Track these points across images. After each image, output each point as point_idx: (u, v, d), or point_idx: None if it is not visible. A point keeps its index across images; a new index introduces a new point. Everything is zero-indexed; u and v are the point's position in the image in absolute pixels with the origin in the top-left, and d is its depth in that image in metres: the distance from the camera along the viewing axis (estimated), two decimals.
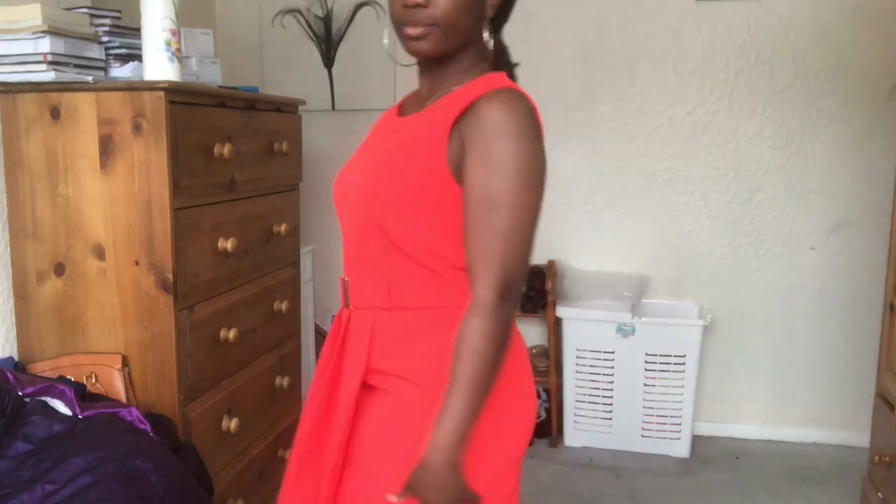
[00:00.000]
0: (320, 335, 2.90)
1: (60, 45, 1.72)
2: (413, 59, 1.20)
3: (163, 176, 1.69)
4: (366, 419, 1.19)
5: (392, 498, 1.08)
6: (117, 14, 1.92)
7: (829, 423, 3.09)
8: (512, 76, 1.22)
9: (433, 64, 1.17)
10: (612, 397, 2.98)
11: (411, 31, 1.12)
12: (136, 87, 1.69)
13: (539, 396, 3.17)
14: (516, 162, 1.05)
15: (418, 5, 1.10)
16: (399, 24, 1.14)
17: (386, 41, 1.28)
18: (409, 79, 1.44)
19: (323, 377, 1.25)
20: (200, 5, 3.19)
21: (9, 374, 1.60)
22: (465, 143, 1.08)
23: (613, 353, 2.94)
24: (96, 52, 1.83)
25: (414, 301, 1.16)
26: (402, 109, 1.26)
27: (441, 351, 1.09)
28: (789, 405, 3.13)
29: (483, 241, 1.06)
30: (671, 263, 3.14)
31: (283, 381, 2.32)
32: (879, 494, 2.25)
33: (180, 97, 1.74)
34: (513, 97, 1.09)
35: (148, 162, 1.69)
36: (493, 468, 1.15)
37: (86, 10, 1.88)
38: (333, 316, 1.32)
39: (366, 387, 1.19)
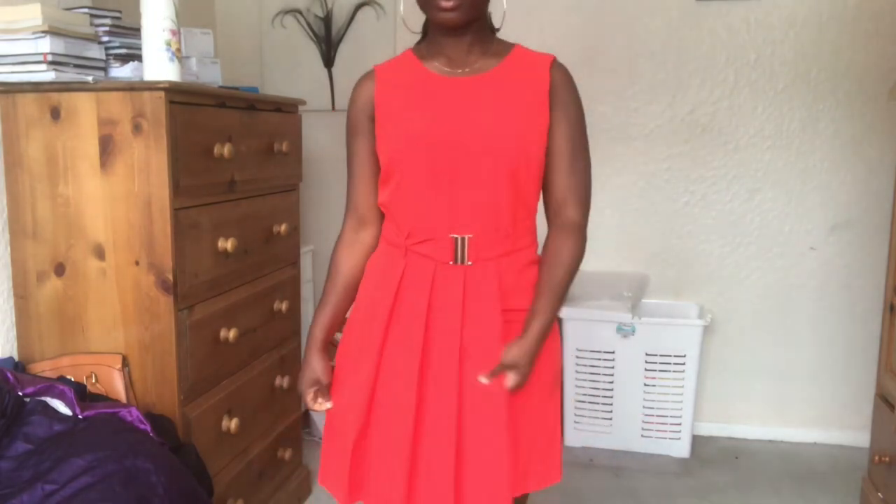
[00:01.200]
0: None
1: (60, 45, 1.72)
2: (418, 28, 1.38)
3: (163, 176, 1.70)
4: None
5: (483, 379, 1.29)
6: (117, 14, 1.92)
7: (829, 423, 3.09)
8: None
9: (459, 31, 1.29)
10: (612, 397, 2.98)
11: (445, 3, 1.23)
12: (136, 87, 1.69)
13: None
14: (584, 118, 1.36)
15: None
16: None
17: (402, 10, 1.38)
18: None
19: (418, 335, 1.32)
20: (200, 5, 3.19)
21: (9, 374, 1.60)
22: (552, 102, 1.31)
23: (613, 353, 2.94)
24: (96, 52, 1.83)
25: (524, 241, 1.36)
26: (439, 70, 1.33)
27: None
28: (789, 405, 3.13)
29: (574, 178, 1.32)
30: (671, 263, 3.14)
31: (283, 381, 2.32)
32: (879, 494, 2.25)
33: (180, 97, 1.74)
34: (565, 67, 1.38)
35: (148, 162, 1.69)
36: (558, 357, 1.43)
37: (86, 10, 1.88)
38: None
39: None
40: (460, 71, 1.32)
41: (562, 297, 1.34)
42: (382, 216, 1.41)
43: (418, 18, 1.37)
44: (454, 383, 1.30)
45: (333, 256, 1.45)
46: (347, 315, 1.47)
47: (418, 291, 1.33)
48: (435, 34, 1.33)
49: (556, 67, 1.34)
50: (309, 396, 1.41)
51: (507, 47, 1.36)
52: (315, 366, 1.43)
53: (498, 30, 1.39)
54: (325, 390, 1.42)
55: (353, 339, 1.43)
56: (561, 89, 1.32)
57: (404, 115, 1.32)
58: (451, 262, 1.31)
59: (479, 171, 1.28)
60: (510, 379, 1.29)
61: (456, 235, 1.30)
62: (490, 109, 1.29)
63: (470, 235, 1.30)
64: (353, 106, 1.38)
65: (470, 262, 1.31)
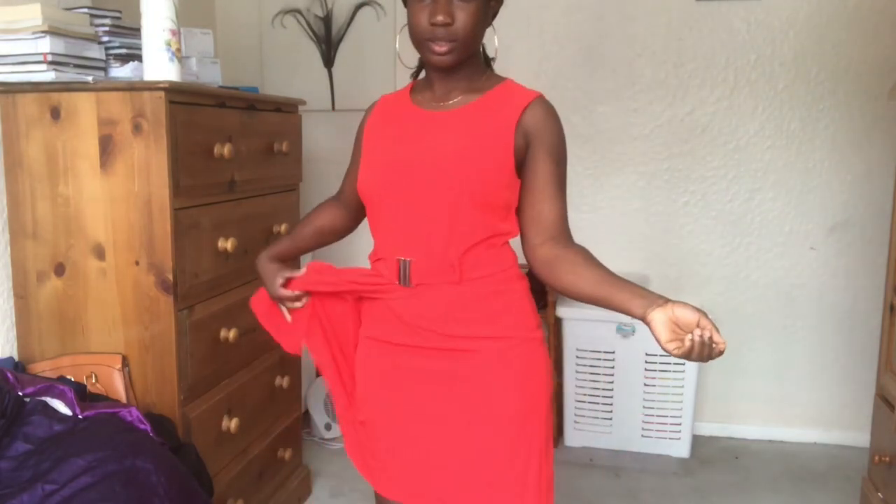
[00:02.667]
0: None
1: (60, 45, 1.72)
2: (414, 61, 1.43)
3: (163, 176, 1.70)
4: (456, 376, 1.39)
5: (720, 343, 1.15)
6: (117, 14, 1.92)
7: (829, 423, 3.09)
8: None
9: (451, 70, 1.33)
10: (612, 397, 2.98)
11: (438, 48, 1.28)
12: (136, 87, 1.69)
13: None
14: (565, 156, 1.37)
15: (445, 24, 1.26)
16: (424, 40, 1.29)
17: (398, 46, 1.41)
18: (408, 79, 1.45)
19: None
20: (200, 5, 3.19)
21: (9, 374, 1.60)
22: (530, 137, 1.31)
23: (613, 353, 2.94)
24: (96, 52, 1.83)
25: (479, 272, 1.36)
26: (421, 104, 1.38)
27: (506, 305, 1.39)
28: (789, 405, 3.13)
29: (560, 211, 1.36)
30: (671, 263, 3.14)
31: (283, 381, 2.32)
32: (879, 494, 2.25)
33: (180, 97, 1.74)
34: (550, 104, 1.39)
35: (148, 162, 1.69)
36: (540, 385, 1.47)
37: (86, 10, 1.88)
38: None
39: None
40: (441, 104, 1.36)
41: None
42: (357, 212, 1.51)
43: (413, 53, 1.39)
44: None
45: (313, 211, 1.58)
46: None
47: (374, 304, 1.43)
48: (428, 69, 1.37)
49: (537, 104, 1.33)
50: (282, 290, 1.49)
51: (494, 82, 1.37)
52: (272, 267, 1.53)
53: (493, 59, 1.42)
54: (289, 272, 1.51)
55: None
56: (540, 126, 1.32)
57: (374, 147, 1.40)
58: (396, 283, 1.36)
59: (427, 200, 1.31)
60: (716, 335, 1.13)
61: (401, 258, 1.34)
62: (449, 141, 1.31)
63: (412, 259, 1.33)
64: (359, 127, 1.48)
65: (412, 285, 1.34)
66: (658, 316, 1.18)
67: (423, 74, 1.43)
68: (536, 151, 1.32)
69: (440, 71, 1.33)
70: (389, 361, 1.40)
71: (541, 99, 1.34)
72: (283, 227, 2.26)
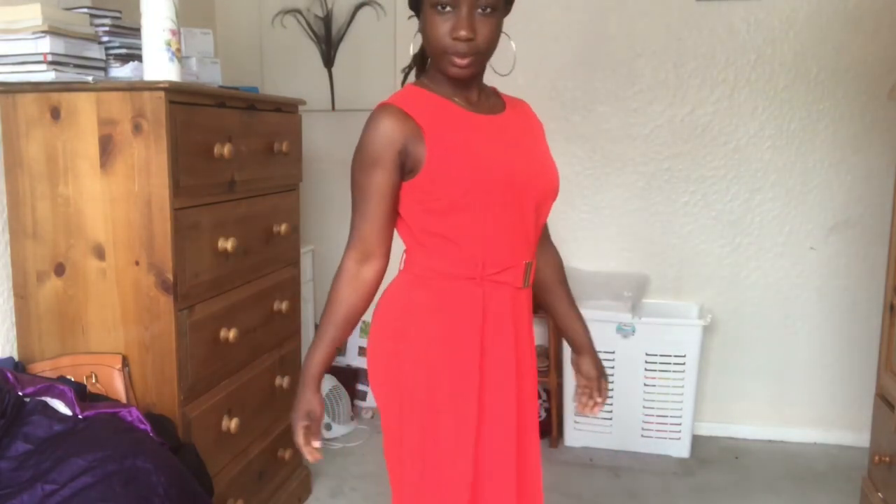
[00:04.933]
0: None
1: (60, 45, 1.72)
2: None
3: (163, 176, 1.70)
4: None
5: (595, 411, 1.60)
6: (117, 14, 1.92)
7: (829, 423, 3.09)
8: None
9: (467, 83, 1.36)
10: (612, 397, 2.97)
11: (460, 61, 1.29)
12: (136, 87, 1.69)
13: (539, 396, 3.17)
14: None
15: (468, 40, 1.26)
16: (445, 53, 1.28)
17: (412, 52, 1.43)
18: (409, 79, 1.45)
19: (511, 359, 1.39)
20: (200, 5, 3.19)
21: (9, 374, 1.60)
22: None
23: (613, 353, 2.94)
24: (96, 52, 1.83)
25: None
26: (468, 108, 1.37)
27: None
28: (789, 405, 3.13)
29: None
30: (671, 263, 3.14)
31: (283, 381, 2.32)
32: (879, 494, 2.25)
33: (180, 97, 1.74)
34: None
35: (148, 162, 1.69)
36: None
37: (86, 10, 1.88)
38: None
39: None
40: (485, 109, 1.39)
41: None
42: (388, 252, 1.37)
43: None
44: (513, 408, 1.39)
45: (334, 289, 1.38)
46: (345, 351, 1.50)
47: (502, 319, 1.37)
48: (444, 77, 1.35)
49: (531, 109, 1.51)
50: (300, 431, 1.39)
51: (493, 89, 1.46)
52: (309, 399, 1.40)
53: (505, 74, 1.46)
54: (317, 426, 1.40)
55: (443, 382, 1.35)
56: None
57: (467, 149, 1.30)
58: (521, 287, 1.38)
59: (536, 201, 1.36)
60: (604, 390, 1.59)
61: (526, 261, 1.38)
62: (534, 145, 1.42)
63: (531, 261, 1.40)
64: (377, 138, 1.30)
65: (528, 285, 1.41)
66: (581, 361, 1.61)
67: (412, 77, 1.44)
68: None
69: (459, 80, 1.34)
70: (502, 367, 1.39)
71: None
72: (283, 227, 2.26)
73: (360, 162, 1.32)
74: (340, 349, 1.49)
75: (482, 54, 1.30)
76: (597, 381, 1.57)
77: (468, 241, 1.32)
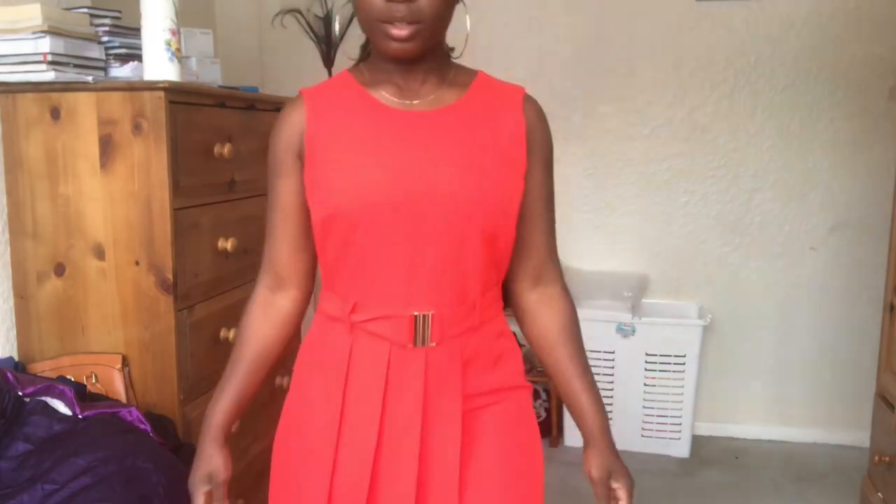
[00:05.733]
0: None
1: (60, 45, 1.72)
2: (356, 52, 1.14)
3: (163, 176, 1.69)
4: (481, 441, 1.11)
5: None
6: (117, 14, 1.92)
7: (829, 423, 3.09)
8: None
9: (412, 62, 1.05)
10: (612, 397, 2.98)
11: (398, 31, 0.98)
12: (136, 87, 1.69)
13: (539, 396, 3.17)
14: (553, 163, 1.18)
15: (406, 0, 0.97)
16: (377, 21, 0.99)
17: (337, 29, 1.17)
18: None
19: (372, 427, 1.08)
20: (200, 5, 3.19)
21: (9, 374, 1.60)
22: (528, 144, 1.10)
23: (613, 353, 2.94)
24: (96, 52, 1.83)
25: (491, 311, 1.13)
26: (389, 101, 1.08)
27: (513, 346, 1.18)
28: (789, 405, 3.13)
29: (551, 234, 1.18)
30: (671, 263, 3.14)
31: (283, 381, 2.32)
32: (879, 494, 2.25)
33: (180, 97, 1.74)
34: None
35: (148, 162, 1.69)
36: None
37: (86, 10, 1.87)
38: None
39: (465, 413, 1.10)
40: (416, 102, 1.07)
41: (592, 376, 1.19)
42: (306, 279, 1.16)
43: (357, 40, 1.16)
44: (411, 489, 1.06)
45: (242, 321, 1.18)
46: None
47: (370, 381, 1.07)
48: (382, 60, 1.07)
49: (529, 102, 1.11)
50: (200, 499, 1.14)
51: (468, 75, 1.12)
52: (210, 458, 1.16)
53: (456, 56, 1.15)
54: (220, 490, 1.17)
55: (294, 440, 1.17)
56: (536, 130, 1.11)
57: (349, 157, 1.04)
58: (410, 345, 1.06)
59: (447, 232, 1.03)
60: (623, 499, 1.14)
61: (417, 312, 1.05)
62: (460, 152, 1.05)
63: (432, 311, 1.05)
64: (276, 141, 1.10)
65: (433, 344, 1.06)
66: (588, 458, 1.19)
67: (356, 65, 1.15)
68: (533, 162, 1.10)
69: (401, 62, 1.04)
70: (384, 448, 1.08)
71: (528, 96, 1.13)
72: None
73: (268, 168, 1.12)
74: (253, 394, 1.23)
75: (428, 23, 0.99)
76: (604, 487, 1.14)
77: (340, 275, 1.09)
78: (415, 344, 1.06)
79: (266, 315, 1.18)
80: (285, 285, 1.17)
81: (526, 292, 1.18)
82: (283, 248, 1.14)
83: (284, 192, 1.10)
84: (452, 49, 1.14)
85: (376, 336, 1.07)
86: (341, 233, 1.04)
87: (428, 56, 1.05)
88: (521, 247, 1.13)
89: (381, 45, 1.01)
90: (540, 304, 1.17)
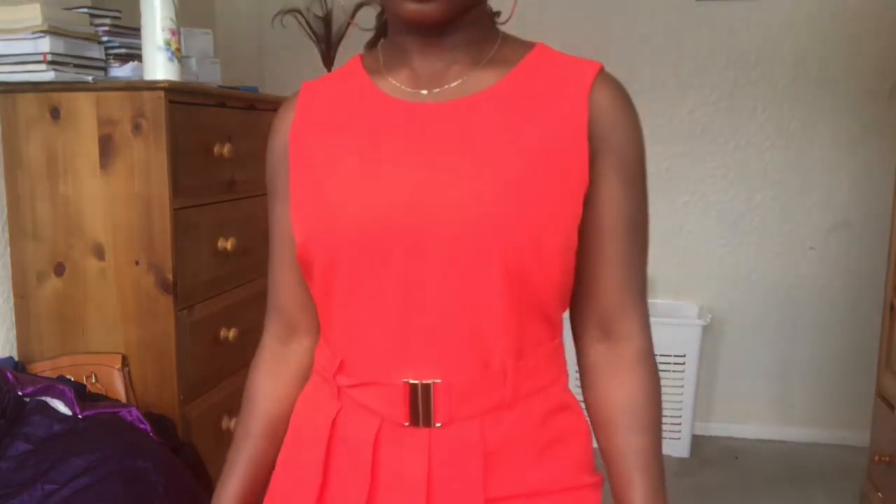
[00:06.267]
0: None
1: (60, 45, 1.72)
2: (371, 24, 0.92)
3: (163, 176, 1.69)
4: None
5: None
6: (117, 14, 1.92)
7: (829, 423, 3.09)
8: None
9: (438, 29, 0.79)
10: None
11: None
12: (136, 87, 1.69)
13: None
14: (645, 171, 0.84)
15: None
16: None
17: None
18: None
19: None
20: (200, 5, 3.19)
21: (9, 374, 1.60)
22: (599, 143, 0.79)
23: None
24: (96, 51, 1.83)
25: (540, 379, 0.82)
26: (397, 92, 0.82)
27: (577, 423, 0.85)
28: (789, 405, 3.13)
29: (631, 272, 0.85)
30: (671, 263, 3.14)
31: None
32: (879, 494, 2.24)
33: (180, 97, 1.74)
34: (620, 83, 0.82)
35: (148, 162, 1.69)
36: None
37: (86, 10, 1.87)
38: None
39: None
40: (436, 91, 0.80)
41: (663, 478, 0.85)
42: (316, 322, 0.90)
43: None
44: None
45: (249, 382, 0.96)
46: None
47: (353, 469, 0.81)
48: (399, 33, 0.82)
49: (603, 84, 0.80)
50: None
51: (520, 49, 0.83)
52: None
53: (503, 22, 0.87)
54: None
55: None
56: (610, 124, 0.79)
57: (333, 169, 0.80)
58: (405, 424, 0.78)
59: (453, 268, 0.75)
60: None
61: (413, 380, 0.78)
62: (480, 160, 0.76)
63: (437, 380, 0.77)
64: (269, 149, 0.89)
65: (438, 424, 0.78)
66: None
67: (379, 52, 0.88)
68: (602, 171, 0.79)
69: (422, 33, 0.79)
70: None
71: (605, 74, 0.82)
72: None
73: (268, 192, 0.90)
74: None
75: None
76: None
77: (329, 322, 0.84)
78: (412, 423, 0.78)
79: (278, 373, 0.94)
80: (297, 332, 0.93)
81: (589, 346, 0.86)
82: (288, 287, 0.90)
83: (283, 217, 0.86)
84: (498, 14, 0.86)
85: (365, 408, 0.81)
86: (321, 269, 0.80)
87: (459, 24, 0.79)
88: (585, 286, 0.83)
89: (395, 8, 0.76)
90: (605, 366, 0.85)
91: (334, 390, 0.84)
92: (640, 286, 0.86)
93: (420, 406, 0.78)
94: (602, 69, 0.82)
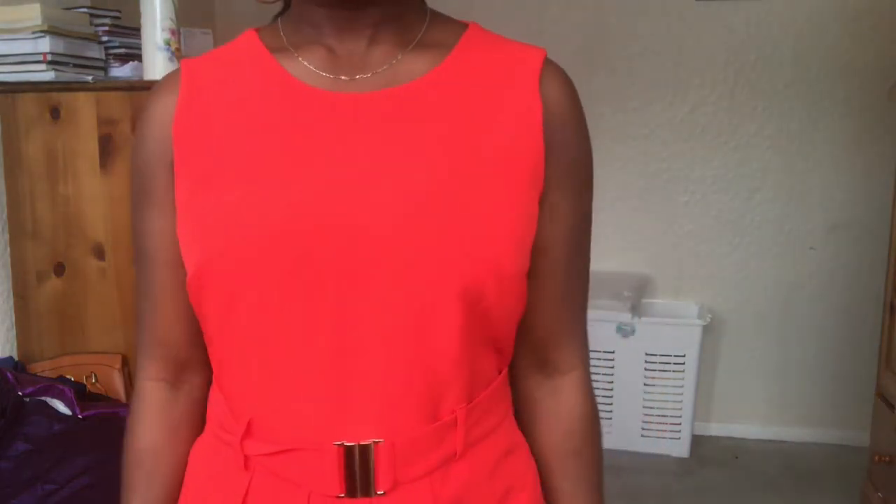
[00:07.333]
0: None
1: (60, 45, 1.72)
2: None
3: None
4: None
5: None
6: (117, 14, 1.92)
7: (829, 423, 3.09)
8: None
9: (353, 4, 0.65)
10: (612, 397, 2.97)
11: None
12: (136, 87, 1.69)
13: None
14: (593, 176, 0.72)
15: None
16: None
17: None
18: None
19: None
20: (200, 5, 3.19)
21: (9, 374, 1.60)
22: (547, 142, 0.66)
23: (613, 353, 2.94)
24: (96, 51, 1.83)
25: (493, 417, 0.71)
26: (310, 78, 0.67)
27: (526, 466, 0.75)
28: (789, 405, 3.13)
29: (570, 295, 0.73)
30: (671, 263, 3.14)
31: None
32: (879, 494, 2.25)
33: None
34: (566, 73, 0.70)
35: None
36: None
37: (86, 10, 1.87)
38: None
39: None
40: (358, 78, 0.66)
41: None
42: (204, 365, 0.73)
43: None
44: None
45: (134, 440, 0.77)
46: None
47: None
48: (305, 3, 0.68)
49: (552, 74, 0.68)
50: None
51: (453, 30, 0.70)
52: None
53: None
54: None
55: None
56: (562, 121, 0.67)
57: (236, 176, 0.64)
58: (339, 496, 0.65)
59: (401, 298, 0.62)
60: None
61: (348, 443, 0.64)
62: (427, 164, 0.64)
63: (378, 440, 0.64)
64: (139, 142, 0.70)
65: (381, 493, 0.65)
66: None
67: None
68: (554, 175, 0.67)
69: (337, 4, 0.65)
70: None
71: (553, 62, 0.70)
72: None
73: (132, 200, 0.72)
74: None
75: None
76: None
77: (229, 368, 0.68)
78: (349, 494, 0.64)
79: (171, 426, 0.74)
80: (188, 370, 0.74)
81: (524, 378, 0.76)
82: (174, 316, 0.71)
83: (163, 230, 0.68)
84: None
85: (285, 481, 0.66)
86: (222, 299, 0.64)
87: (374, 2, 0.65)
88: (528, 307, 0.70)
89: None
90: (542, 398, 0.76)
91: (240, 458, 0.67)
92: (580, 309, 0.74)
93: (357, 473, 0.63)
94: (547, 56, 0.69)
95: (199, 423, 0.76)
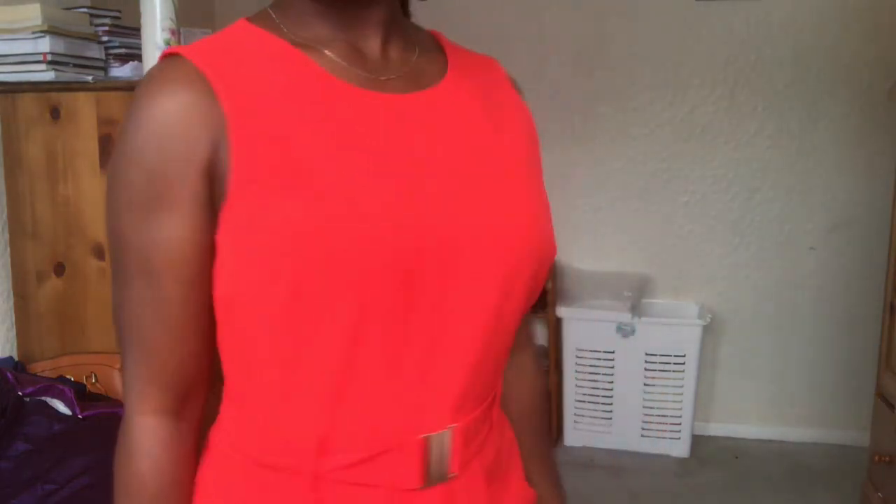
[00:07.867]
0: None
1: (60, 45, 1.72)
2: None
3: None
4: None
5: None
6: (117, 14, 1.92)
7: (829, 423, 3.09)
8: None
9: (351, 6, 0.65)
10: (611, 397, 2.98)
11: None
12: (136, 87, 1.69)
13: None
14: None
15: None
16: None
17: None
18: None
19: None
20: (200, 5, 3.19)
21: (9, 374, 1.60)
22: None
23: (613, 352, 2.94)
24: (96, 51, 1.83)
25: (497, 396, 0.76)
26: (366, 70, 0.65)
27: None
28: (789, 405, 3.13)
29: None
30: (671, 263, 3.14)
31: None
32: (879, 494, 2.25)
33: None
34: None
35: None
36: None
37: (86, 10, 1.87)
38: None
39: None
40: (389, 78, 0.66)
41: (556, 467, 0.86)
42: (210, 377, 0.70)
43: None
44: None
45: (144, 476, 0.76)
46: None
47: None
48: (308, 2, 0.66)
49: (512, 79, 0.77)
50: None
51: (424, 33, 0.74)
52: None
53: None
54: None
55: None
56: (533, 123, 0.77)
57: (318, 178, 0.59)
58: (419, 487, 0.64)
59: (490, 297, 0.64)
60: None
61: (429, 434, 0.64)
62: (488, 164, 0.67)
63: (454, 425, 0.65)
64: (149, 142, 0.61)
65: (453, 475, 0.66)
66: None
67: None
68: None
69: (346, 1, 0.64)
70: None
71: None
72: None
73: (125, 203, 0.65)
74: None
75: None
76: None
77: (295, 385, 0.62)
78: (427, 484, 0.64)
79: (178, 457, 0.71)
80: (190, 400, 0.70)
81: None
82: (189, 336, 0.64)
83: (178, 238, 0.61)
84: None
85: (360, 486, 0.63)
86: (314, 317, 0.58)
87: (370, 4, 0.65)
88: None
89: None
90: (512, 376, 0.79)
91: (305, 481, 0.63)
92: None
93: (434, 461, 0.64)
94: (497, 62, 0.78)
95: (198, 448, 0.73)
